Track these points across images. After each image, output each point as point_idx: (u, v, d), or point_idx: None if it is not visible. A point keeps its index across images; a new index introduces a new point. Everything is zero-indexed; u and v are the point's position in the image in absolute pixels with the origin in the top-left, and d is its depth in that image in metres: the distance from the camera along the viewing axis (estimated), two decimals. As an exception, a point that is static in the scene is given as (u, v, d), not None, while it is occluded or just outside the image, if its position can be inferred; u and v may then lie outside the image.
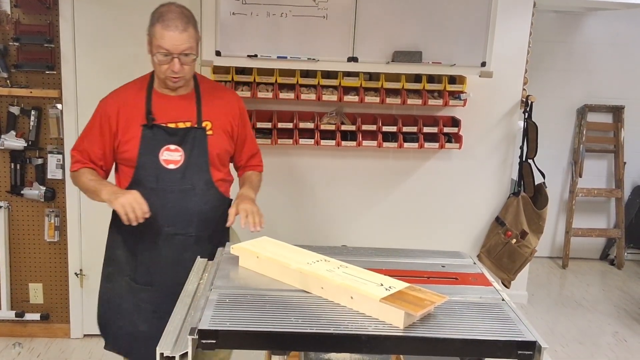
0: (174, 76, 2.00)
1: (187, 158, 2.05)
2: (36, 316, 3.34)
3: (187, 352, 1.07)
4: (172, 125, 2.05)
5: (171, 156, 2.04)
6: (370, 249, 1.51)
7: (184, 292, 1.29)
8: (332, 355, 1.39)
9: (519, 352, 1.07)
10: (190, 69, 2.04)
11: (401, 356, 1.91)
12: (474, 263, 1.46)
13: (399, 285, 1.18)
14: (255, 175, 2.35)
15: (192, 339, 1.07)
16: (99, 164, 2.11)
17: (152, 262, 2.08)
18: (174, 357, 1.06)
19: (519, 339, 1.08)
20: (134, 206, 1.90)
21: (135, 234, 2.03)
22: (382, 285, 1.18)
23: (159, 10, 2.01)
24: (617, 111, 4.86)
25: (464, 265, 1.44)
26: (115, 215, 2.10)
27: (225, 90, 2.34)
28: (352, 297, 1.15)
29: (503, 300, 1.25)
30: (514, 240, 3.36)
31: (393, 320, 1.08)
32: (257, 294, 1.23)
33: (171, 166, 2.03)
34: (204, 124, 2.11)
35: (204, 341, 1.07)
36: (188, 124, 2.08)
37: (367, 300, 1.13)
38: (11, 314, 3.32)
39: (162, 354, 1.06)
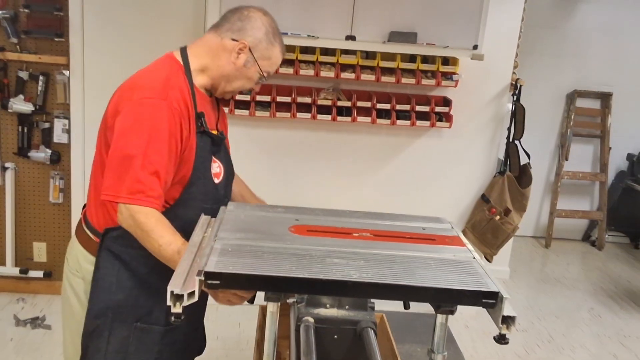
0: (247, 91, 1.85)
1: (225, 169, 1.77)
2: (39, 273, 3.50)
3: (194, 291, 1.23)
4: (214, 132, 1.73)
5: (215, 169, 1.73)
6: (359, 212, 1.66)
7: (190, 243, 1.44)
8: (321, 310, 1.53)
9: (484, 300, 1.23)
10: None
11: (384, 315, 2.08)
12: (452, 227, 1.61)
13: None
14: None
15: (199, 279, 1.22)
16: (164, 186, 1.57)
17: None
18: (182, 295, 1.21)
19: (484, 289, 1.23)
20: (238, 300, 1.52)
21: (154, 261, 1.54)
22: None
23: (270, 23, 1.71)
24: (605, 98, 5.01)
25: (442, 229, 1.60)
26: (112, 236, 1.62)
27: None
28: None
29: (474, 258, 1.40)
30: (498, 217, 3.53)
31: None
32: (257, 245, 1.39)
33: (216, 180, 1.72)
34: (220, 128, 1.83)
35: (209, 281, 1.23)
36: (215, 131, 1.76)
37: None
38: (15, 271, 3.47)
39: (172, 292, 1.21)
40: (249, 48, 1.67)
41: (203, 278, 1.23)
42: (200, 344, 1.94)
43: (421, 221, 1.63)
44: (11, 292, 3.52)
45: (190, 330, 1.83)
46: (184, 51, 1.72)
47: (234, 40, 1.67)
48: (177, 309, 1.21)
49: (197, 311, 1.81)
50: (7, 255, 3.44)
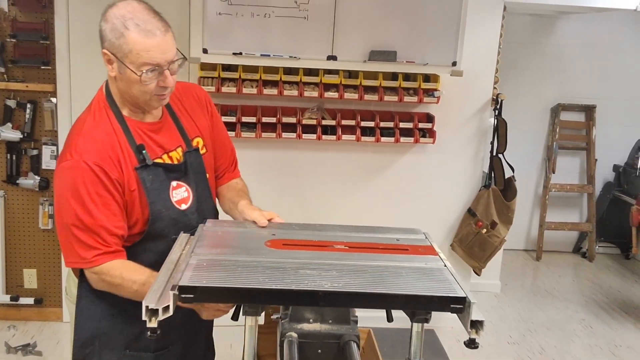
0: (163, 93, 1.56)
1: (195, 191, 1.68)
2: (30, 300, 3.50)
3: (168, 306, 1.25)
4: (166, 159, 1.63)
5: (179, 195, 1.64)
6: (335, 225, 1.69)
7: (167, 260, 1.47)
8: (305, 325, 1.56)
9: (452, 305, 1.26)
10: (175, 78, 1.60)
11: (370, 330, 2.09)
12: (425, 238, 1.65)
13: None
14: (245, 186, 1.97)
15: (174, 294, 1.25)
16: (120, 235, 1.56)
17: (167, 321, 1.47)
18: (157, 309, 1.24)
19: (452, 295, 1.27)
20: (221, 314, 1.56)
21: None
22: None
23: (120, 12, 1.49)
24: (589, 110, 5.08)
25: (416, 240, 1.63)
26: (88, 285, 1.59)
27: (187, 87, 1.83)
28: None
29: (445, 266, 1.43)
30: (485, 230, 3.56)
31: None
32: (232, 259, 1.42)
33: (184, 206, 1.65)
34: (194, 143, 1.72)
35: (183, 295, 1.26)
36: (179, 152, 1.67)
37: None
38: (6, 298, 3.48)
39: (147, 307, 1.24)
40: (111, 54, 1.51)
41: (177, 292, 1.26)
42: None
43: (396, 232, 1.67)
44: (2, 319, 3.52)
45: (185, 351, 1.79)
46: (107, 84, 1.63)
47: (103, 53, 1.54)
48: (152, 323, 1.24)
49: (190, 331, 1.77)
50: (-2, 282, 3.46)
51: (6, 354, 3.19)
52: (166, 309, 1.25)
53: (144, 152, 1.57)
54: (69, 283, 1.78)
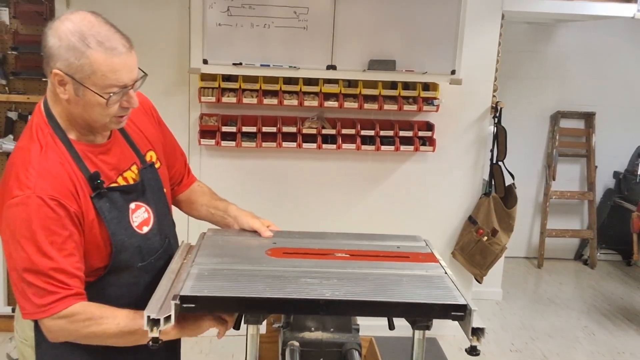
0: (124, 114, 1.42)
1: (154, 210, 1.54)
2: (31, 312, 3.49)
3: (170, 315, 1.26)
4: (121, 181, 1.48)
5: (140, 217, 1.50)
6: (335, 233, 1.70)
7: (168, 269, 1.47)
8: (306, 333, 1.56)
9: (453, 313, 1.26)
10: None
11: (372, 338, 2.09)
12: (426, 245, 1.65)
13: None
14: (210, 189, 1.87)
15: (175, 303, 1.25)
16: (81, 277, 1.38)
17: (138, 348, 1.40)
18: (159, 319, 1.24)
19: (452, 303, 1.27)
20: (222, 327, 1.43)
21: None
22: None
23: (76, 27, 1.31)
24: (588, 117, 5.09)
25: (417, 247, 1.63)
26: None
27: None
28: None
29: (446, 273, 1.44)
30: (485, 238, 3.56)
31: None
32: (233, 268, 1.42)
33: (145, 229, 1.50)
34: (148, 158, 1.58)
35: (184, 305, 1.26)
36: (135, 169, 1.52)
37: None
38: (8, 310, 3.48)
39: (149, 317, 1.24)
40: (66, 75, 1.31)
41: (179, 302, 1.26)
42: None
43: (396, 240, 1.67)
44: (3, 331, 3.51)
45: None
46: (46, 104, 1.42)
47: (50, 73, 1.34)
48: (154, 333, 1.24)
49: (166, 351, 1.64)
50: (0, 294, 3.45)
51: (8, 366, 3.19)
52: (167, 318, 1.25)
53: (99, 180, 1.39)
54: (20, 325, 1.55)
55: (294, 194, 3.56)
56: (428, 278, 1.41)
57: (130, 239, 1.45)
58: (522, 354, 3.66)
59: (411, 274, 1.43)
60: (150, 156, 1.59)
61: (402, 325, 1.46)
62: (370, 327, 1.74)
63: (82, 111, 1.37)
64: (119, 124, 1.44)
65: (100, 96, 1.33)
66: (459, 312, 1.26)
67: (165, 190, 1.61)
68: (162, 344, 1.26)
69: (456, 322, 1.30)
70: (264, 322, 1.42)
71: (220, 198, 1.82)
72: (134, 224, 1.47)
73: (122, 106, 1.38)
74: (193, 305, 1.26)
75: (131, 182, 1.50)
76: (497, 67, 3.65)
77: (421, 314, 1.29)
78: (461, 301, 1.27)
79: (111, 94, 1.33)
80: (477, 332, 1.25)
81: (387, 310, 1.28)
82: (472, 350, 1.26)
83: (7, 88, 3.25)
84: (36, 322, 1.43)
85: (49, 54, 1.33)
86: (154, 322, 1.24)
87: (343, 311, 1.33)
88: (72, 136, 1.41)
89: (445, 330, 3.57)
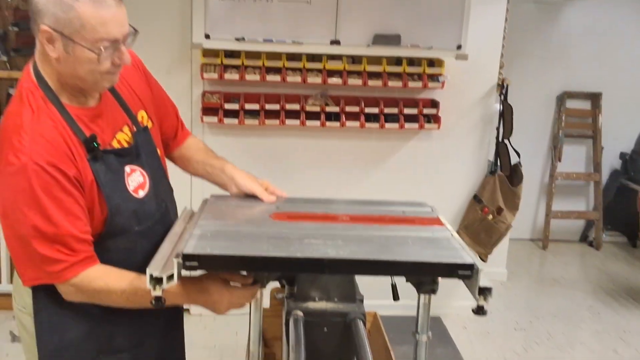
0: (115, 71, 1.38)
1: (149, 173, 1.52)
2: (35, 290, 3.49)
3: (173, 274, 1.24)
4: (115, 144, 1.46)
5: (135, 181, 1.47)
6: (340, 199, 1.68)
7: (171, 232, 1.46)
8: (310, 303, 1.54)
9: (459, 272, 1.24)
10: None
11: (377, 313, 2.08)
12: (432, 210, 1.63)
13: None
14: (204, 145, 1.85)
15: (177, 262, 1.24)
16: (89, 241, 1.38)
17: (139, 314, 1.43)
18: (161, 277, 1.23)
19: (460, 262, 1.25)
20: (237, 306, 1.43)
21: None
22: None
23: None
24: (595, 98, 5.04)
25: (423, 212, 1.62)
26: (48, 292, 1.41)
27: None
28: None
29: (452, 235, 1.42)
30: (491, 217, 3.53)
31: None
32: (236, 230, 1.40)
33: (141, 193, 1.48)
34: (139, 118, 1.54)
35: (187, 263, 1.24)
36: (127, 131, 1.49)
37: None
38: (10, 287, 3.46)
39: (151, 275, 1.23)
40: (55, 31, 1.27)
41: (181, 260, 1.24)
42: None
43: (402, 205, 1.65)
44: (6, 309, 3.50)
45: (161, 343, 1.64)
46: (35, 67, 1.38)
47: (38, 31, 1.30)
48: (157, 292, 1.23)
49: (165, 323, 1.65)
50: (2, 272, 3.44)
51: (11, 343, 3.19)
52: (170, 277, 1.24)
53: (95, 142, 1.37)
54: (19, 292, 1.54)
55: (297, 171, 3.53)
56: (434, 239, 1.39)
57: (126, 203, 1.43)
58: (527, 332, 3.65)
59: (417, 235, 1.41)
60: (142, 116, 1.55)
61: (405, 305, 1.44)
62: (374, 307, 1.72)
63: (72, 70, 1.33)
64: (111, 82, 1.40)
65: (91, 51, 1.29)
66: (466, 271, 1.24)
67: (159, 152, 1.58)
68: (165, 305, 1.25)
69: (461, 302, 1.28)
70: (268, 297, 1.39)
71: (216, 155, 1.78)
72: (130, 188, 1.45)
73: (113, 63, 1.34)
74: (196, 264, 1.24)
75: (125, 145, 1.47)
76: (504, 43, 3.60)
77: (428, 273, 1.27)
78: (468, 260, 1.25)
79: (102, 49, 1.29)
80: (484, 292, 1.23)
81: (393, 269, 1.26)
82: (479, 310, 1.24)
83: (8, 65, 3.23)
84: (35, 290, 1.43)
85: (36, 10, 1.28)
86: (157, 281, 1.22)
87: (347, 270, 1.31)
88: (63, 99, 1.37)
89: (450, 309, 3.56)
